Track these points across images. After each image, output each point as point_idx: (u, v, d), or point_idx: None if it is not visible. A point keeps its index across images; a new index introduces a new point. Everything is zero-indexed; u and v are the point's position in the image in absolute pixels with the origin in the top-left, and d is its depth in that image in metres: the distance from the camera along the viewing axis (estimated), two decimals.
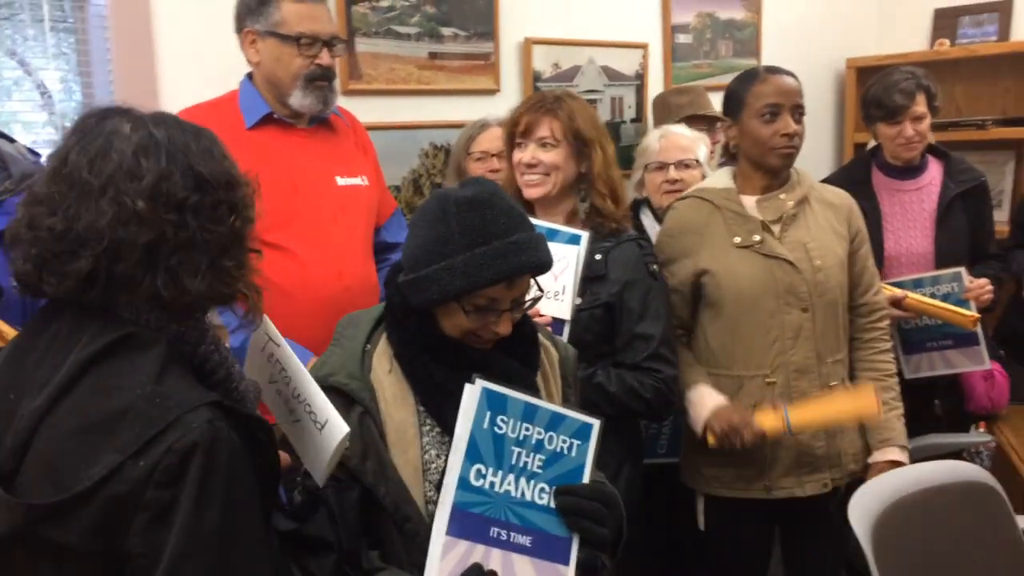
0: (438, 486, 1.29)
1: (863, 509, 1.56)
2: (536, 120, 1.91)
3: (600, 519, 1.30)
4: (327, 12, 2.02)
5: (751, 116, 1.98)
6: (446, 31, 2.76)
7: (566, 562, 1.29)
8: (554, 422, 1.29)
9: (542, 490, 1.28)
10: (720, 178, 2.10)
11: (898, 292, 2.41)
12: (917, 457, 2.32)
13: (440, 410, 1.34)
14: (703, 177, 2.44)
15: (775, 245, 1.99)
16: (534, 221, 1.80)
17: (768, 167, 2.01)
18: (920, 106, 2.53)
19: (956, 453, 2.74)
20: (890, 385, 2.08)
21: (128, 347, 1.01)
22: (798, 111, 1.98)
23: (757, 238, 1.99)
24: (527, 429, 1.27)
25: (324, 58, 1.98)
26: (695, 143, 2.49)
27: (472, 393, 1.24)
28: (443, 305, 1.33)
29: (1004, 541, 1.71)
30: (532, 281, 1.37)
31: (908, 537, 1.63)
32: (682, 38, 3.36)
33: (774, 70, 2.02)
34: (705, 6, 3.41)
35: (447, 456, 1.26)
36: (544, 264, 1.35)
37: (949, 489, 1.66)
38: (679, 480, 2.16)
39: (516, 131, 1.94)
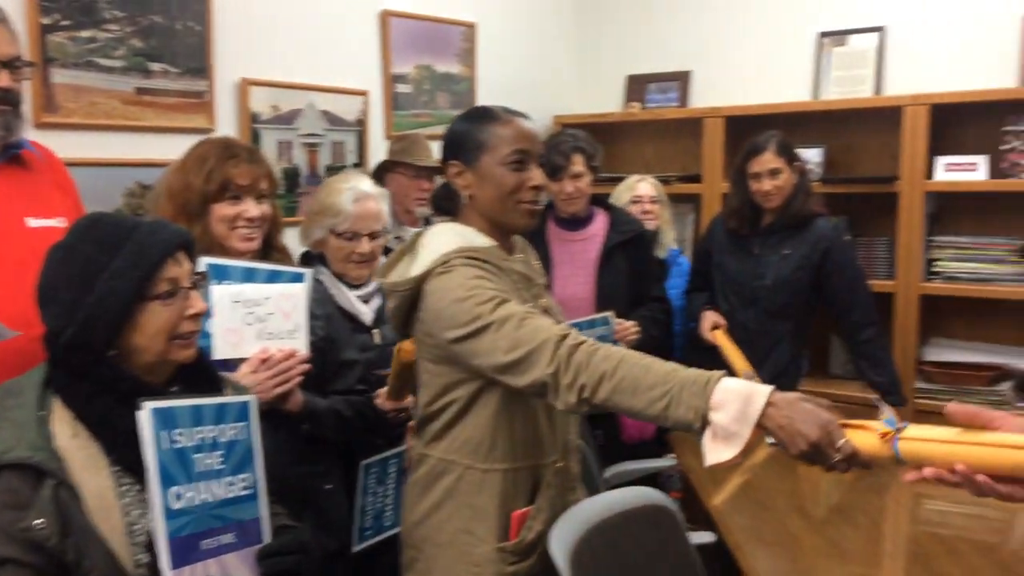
0: (147, 547, 1.27)
1: (562, 537, 1.68)
2: (260, 174, 1.93)
3: (299, 569, 1.38)
4: (6, 33, 1.89)
5: (495, 162, 1.69)
6: (155, 66, 2.65)
7: (260, 540, 1.38)
8: (220, 414, 1.36)
9: (230, 484, 1.36)
10: (472, 236, 1.72)
11: None
12: (614, 483, 2.55)
13: (138, 464, 1.30)
14: (386, 245, 2.36)
15: (554, 311, 1.79)
16: (243, 264, 1.83)
17: (508, 225, 1.73)
18: (577, 166, 2.84)
19: (652, 477, 3.04)
20: None
21: None
22: (541, 160, 1.74)
23: (544, 302, 1.77)
24: (200, 433, 1.33)
25: (2, 80, 1.84)
26: (382, 203, 2.32)
27: (145, 419, 1.27)
28: (131, 316, 1.33)
29: (680, 558, 1.91)
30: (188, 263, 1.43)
31: (603, 560, 1.78)
32: (402, 87, 3.47)
33: (512, 112, 1.76)
34: (423, 59, 3.55)
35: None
36: (188, 235, 1.45)
37: (636, 513, 1.84)
38: None
39: (232, 184, 1.90)
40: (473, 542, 1.67)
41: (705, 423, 1.34)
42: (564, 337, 1.47)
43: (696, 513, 2.51)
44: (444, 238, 1.71)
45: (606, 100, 4.23)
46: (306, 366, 1.85)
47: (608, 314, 2.71)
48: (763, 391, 1.33)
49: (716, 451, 1.33)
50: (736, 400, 1.32)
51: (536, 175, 1.70)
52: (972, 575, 1.84)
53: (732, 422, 1.31)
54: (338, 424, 2.00)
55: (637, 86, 4.13)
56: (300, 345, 1.87)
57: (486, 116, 1.73)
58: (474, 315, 1.54)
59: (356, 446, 2.14)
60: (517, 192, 1.69)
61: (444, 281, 1.61)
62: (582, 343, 1.47)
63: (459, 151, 1.73)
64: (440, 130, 3.57)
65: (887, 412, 1.19)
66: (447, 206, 1.83)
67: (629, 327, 2.74)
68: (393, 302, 1.73)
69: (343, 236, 2.23)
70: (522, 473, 1.69)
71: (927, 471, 1.14)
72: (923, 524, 2.28)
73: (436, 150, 3.11)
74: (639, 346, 2.78)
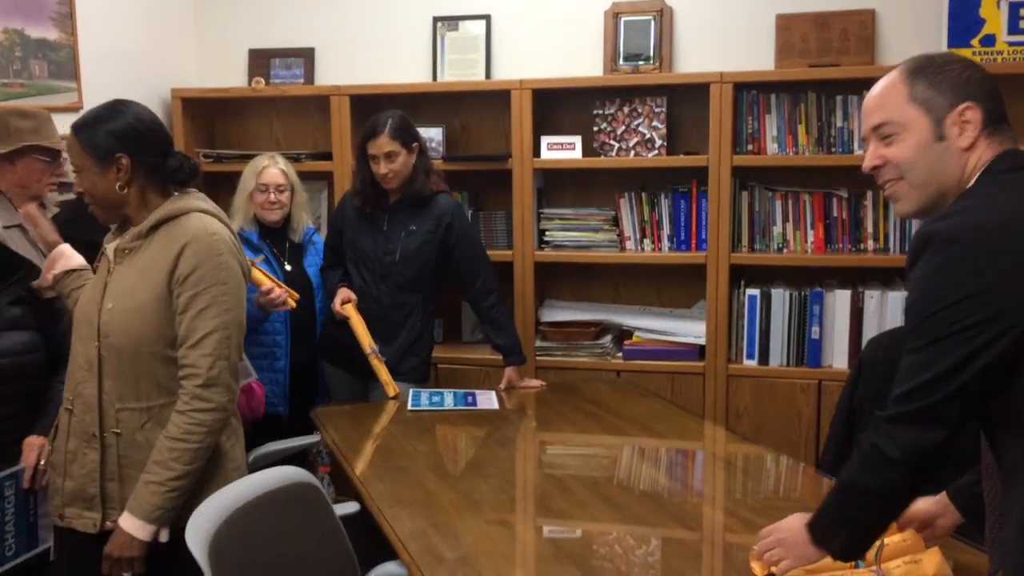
0: None
1: (198, 527, 1.64)
2: None
3: None
4: None
5: None
6: None
7: None
8: None
9: None
10: None
11: None
12: (259, 465, 2.52)
13: None
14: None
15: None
16: None
17: None
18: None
19: (302, 455, 3.04)
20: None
21: None
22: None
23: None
24: None
25: None
26: None
27: None
28: None
29: (325, 531, 1.96)
30: None
31: (245, 547, 1.76)
32: None
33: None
34: (12, 22, 3.15)
35: None
36: None
37: (277, 494, 1.84)
38: None
39: None
40: None
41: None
42: None
43: (345, 485, 2.56)
44: None
45: (228, 74, 4.06)
46: None
47: None
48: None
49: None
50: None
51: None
52: (580, 508, 2.11)
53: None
54: None
55: (260, 60, 4.02)
56: None
57: None
58: None
59: None
60: None
61: None
62: None
63: None
64: (38, 101, 3.21)
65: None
66: None
67: None
68: None
69: None
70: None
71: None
72: (544, 468, 2.55)
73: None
74: None
